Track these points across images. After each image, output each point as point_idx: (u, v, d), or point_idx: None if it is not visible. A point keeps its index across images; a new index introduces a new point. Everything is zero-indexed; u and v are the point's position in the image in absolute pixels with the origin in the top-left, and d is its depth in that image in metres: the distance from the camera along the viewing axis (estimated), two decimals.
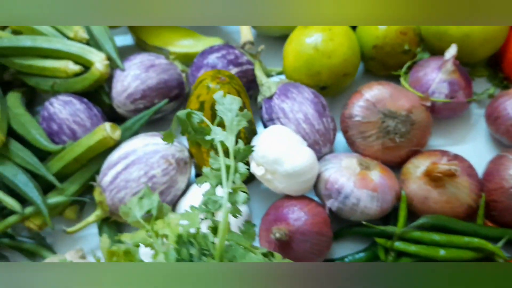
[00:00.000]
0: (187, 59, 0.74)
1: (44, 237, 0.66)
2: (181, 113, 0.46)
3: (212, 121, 0.59)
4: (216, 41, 0.75)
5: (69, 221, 0.67)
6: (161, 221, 0.44)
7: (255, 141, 0.59)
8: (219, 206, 0.40)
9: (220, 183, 0.41)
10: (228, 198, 0.39)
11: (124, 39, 0.82)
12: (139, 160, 0.60)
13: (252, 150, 0.43)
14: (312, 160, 0.58)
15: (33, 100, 0.76)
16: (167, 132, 0.47)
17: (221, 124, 0.45)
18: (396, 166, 0.64)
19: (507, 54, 0.70)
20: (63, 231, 0.62)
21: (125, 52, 0.82)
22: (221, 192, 0.41)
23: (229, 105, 0.43)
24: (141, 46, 0.79)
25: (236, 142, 0.42)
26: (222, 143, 0.42)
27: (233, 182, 0.40)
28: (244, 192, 0.41)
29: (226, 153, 0.44)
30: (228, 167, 0.40)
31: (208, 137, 0.43)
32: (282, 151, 0.57)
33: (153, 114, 0.67)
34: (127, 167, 0.60)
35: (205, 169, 0.42)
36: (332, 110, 0.70)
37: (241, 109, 0.56)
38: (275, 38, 0.78)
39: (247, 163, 0.54)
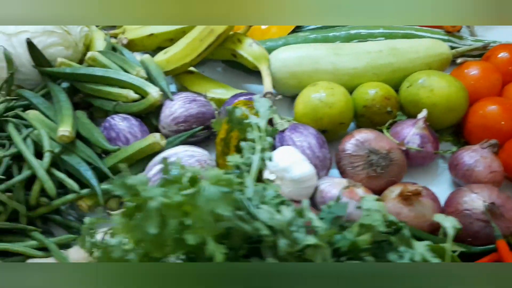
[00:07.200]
0: (219, 104, 0.95)
1: None
2: (229, 106, 0.65)
3: (238, 142, 0.78)
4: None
5: (111, 210, 0.82)
6: None
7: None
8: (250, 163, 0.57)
9: (253, 152, 0.59)
10: (260, 151, 0.57)
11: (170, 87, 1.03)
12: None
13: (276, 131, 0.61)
14: (313, 171, 0.76)
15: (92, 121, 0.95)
16: (216, 120, 0.66)
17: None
18: (376, 194, 0.81)
19: (466, 124, 0.91)
20: (108, 214, 0.77)
21: None
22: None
23: (262, 102, 0.63)
24: (183, 91, 1.00)
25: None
26: (256, 125, 0.60)
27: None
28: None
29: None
30: (260, 137, 0.58)
31: (246, 121, 0.63)
32: (290, 162, 0.75)
33: (190, 136, 0.86)
34: None
35: (242, 143, 0.60)
36: (329, 151, 0.88)
37: None
38: (289, 97, 1.00)
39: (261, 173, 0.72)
